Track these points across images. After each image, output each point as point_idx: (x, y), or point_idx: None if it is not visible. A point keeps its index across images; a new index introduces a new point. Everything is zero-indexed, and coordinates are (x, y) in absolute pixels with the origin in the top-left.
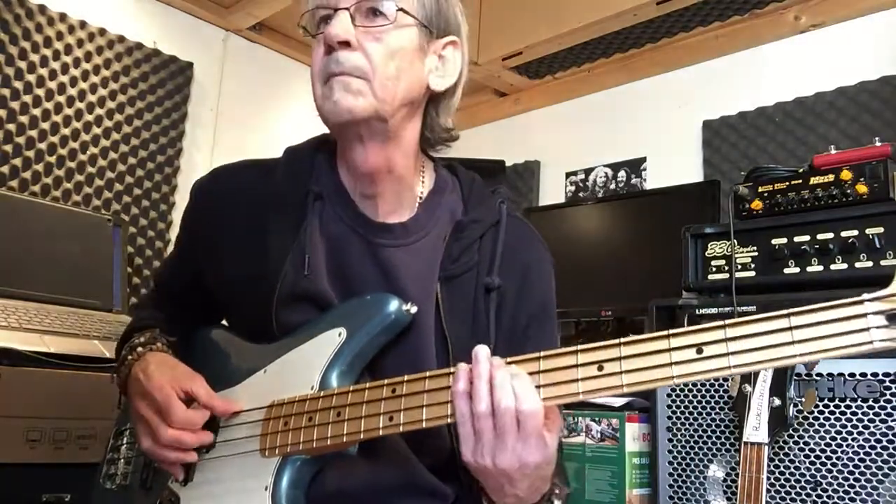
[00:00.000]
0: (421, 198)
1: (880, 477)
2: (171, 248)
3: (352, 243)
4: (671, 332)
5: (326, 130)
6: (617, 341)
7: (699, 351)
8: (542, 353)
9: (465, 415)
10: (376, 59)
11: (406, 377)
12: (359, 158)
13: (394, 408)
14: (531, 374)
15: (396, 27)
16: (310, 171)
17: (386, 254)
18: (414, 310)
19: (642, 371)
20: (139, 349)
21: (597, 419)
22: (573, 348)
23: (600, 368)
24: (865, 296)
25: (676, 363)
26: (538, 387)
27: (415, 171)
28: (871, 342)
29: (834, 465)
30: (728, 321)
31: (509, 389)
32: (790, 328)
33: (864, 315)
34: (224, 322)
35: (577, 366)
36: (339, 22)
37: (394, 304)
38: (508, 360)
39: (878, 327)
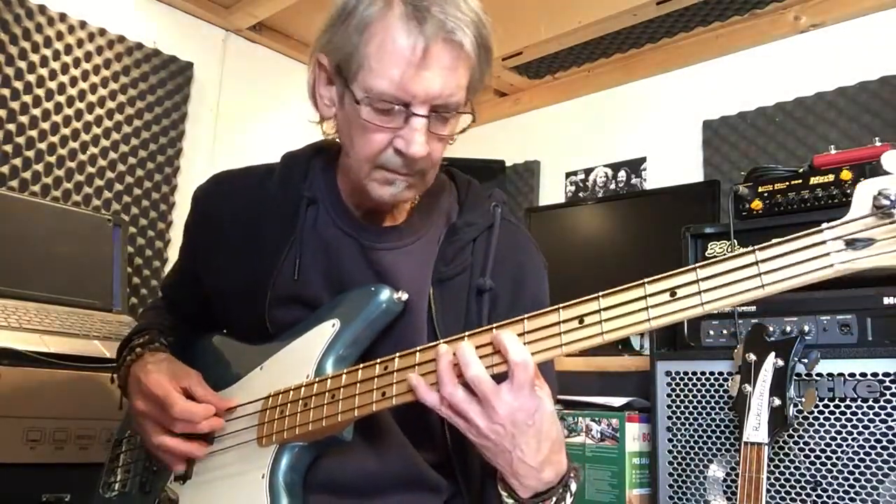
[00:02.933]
0: (415, 201)
1: (880, 477)
2: (171, 249)
3: (345, 246)
4: (647, 279)
5: (321, 137)
6: (596, 295)
7: (673, 294)
8: (527, 315)
9: (436, 406)
10: (438, 156)
11: (397, 354)
12: (371, 204)
13: (386, 383)
14: (519, 334)
15: (457, 121)
16: (304, 176)
17: (379, 256)
18: (405, 297)
19: (621, 318)
20: (137, 349)
21: (597, 419)
22: (556, 307)
23: (581, 321)
24: (824, 224)
25: (652, 307)
26: (525, 344)
27: None
28: (831, 265)
29: (834, 465)
30: (699, 263)
31: (475, 359)
32: (756, 262)
33: (824, 242)
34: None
35: (559, 322)
36: (421, 137)
37: (385, 293)
38: (494, 325)
39: (837, 251)
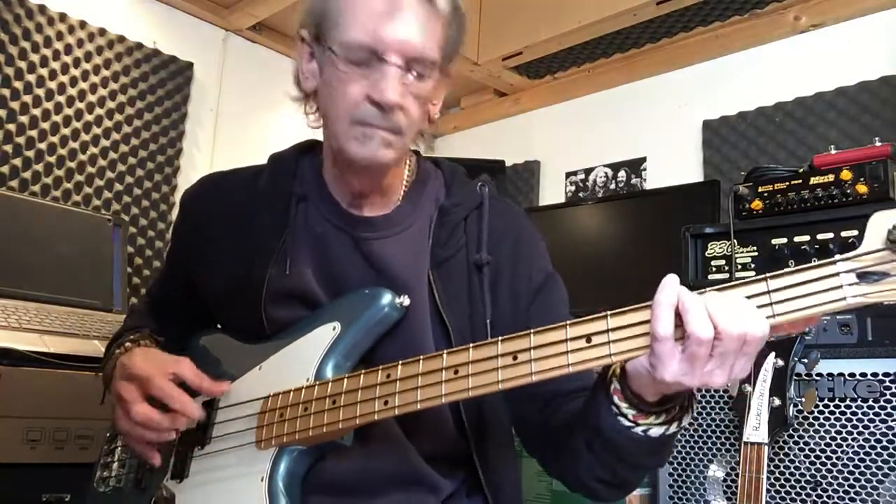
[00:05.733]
0: (405, 188)
1: (880, 477)
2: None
3: (337, 240)
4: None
5: (318, 138)
6: (604, 314)
7: None
8: (533, 330)
9: (669, 335)
10: (414, 117)
11: (400, 362)
12: (355, 182)
13: (389, 392)
14: (522, 350)
15: (432, 81)
16: (293, 174)
17: (371, 247)
18: (407, 302)
19: (629, 340)
20: (127, 344)
21: None
22: (562, 323)
23: (588, 340)
24: (838, 256)
25: None
26: (531, 361)
27: (403, 164)
28: (843, 298)
29: (834, 465)
30: (708, 289)
31: (736, 311)
32: (768, 291)
33: (837, 274)
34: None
35: (566, 340)
36: (394, 84)
37: (387, 298)
38: (501, 338)
39: (850, 284)
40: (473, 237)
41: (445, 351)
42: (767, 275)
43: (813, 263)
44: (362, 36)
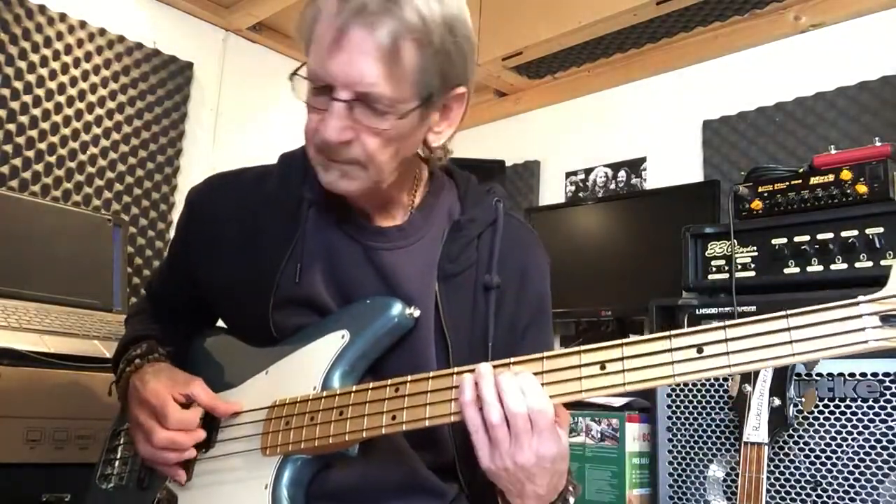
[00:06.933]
0: (415, 201)
1: (880, 477)
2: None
3: (347, 248)
4: (673, 332)
5: None
6: (620, 342)
7: (700, 351)
8: (546, 354)
9: (477, 424)
10: (372, 150)
11: (409, 377)
12: (343, 194)
13: (397, 406)
14: (535, 374)
15: (397, 117)
16: (303, 177)
17: (382, 257)
18: (417, 314)
19: (644, 370)
20: (136, 361)
21: (597, 419)
22: (576, 349)
23: (602, 368)
24: (861, 298)
25: (678, 362)
26: (542, 385)
27: (406, 180)
28: (866, 341)
29: (834, 465)
30: (728, 322)
31: (518, 392)
32: (788, 329)
33: (860, 316)
34: (221, 325)
35: (580, 366)
36: (335, 122)
37: (397, 308)
38: (513, 360)
39: (872, 327)
40: (485, 256)
41: (455, 369)
42: (789, 312)
43: (836, 303)
44: (315, 65)
